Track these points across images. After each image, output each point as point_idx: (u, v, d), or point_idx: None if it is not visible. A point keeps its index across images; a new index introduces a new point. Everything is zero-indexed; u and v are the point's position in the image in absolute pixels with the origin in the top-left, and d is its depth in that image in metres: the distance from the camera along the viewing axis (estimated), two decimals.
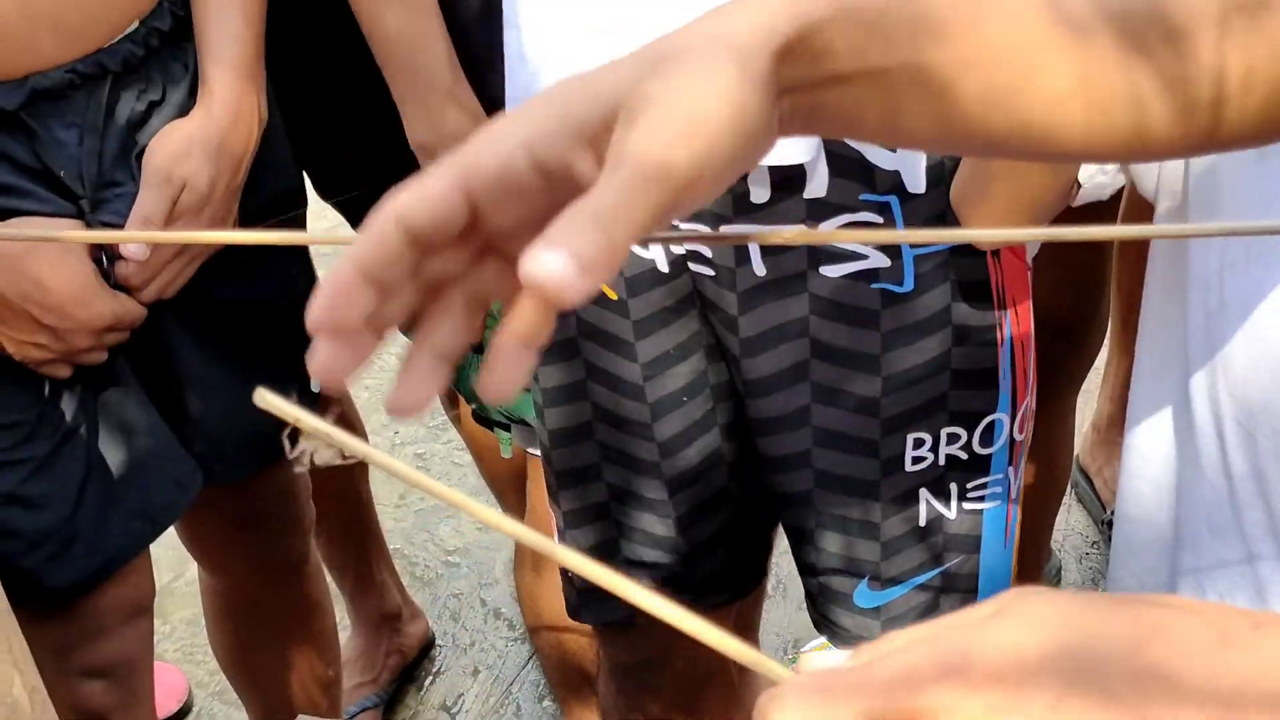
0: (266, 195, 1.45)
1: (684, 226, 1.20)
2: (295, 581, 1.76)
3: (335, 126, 1.68)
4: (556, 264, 0.46)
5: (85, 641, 1.44)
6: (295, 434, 0.53)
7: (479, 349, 1.44)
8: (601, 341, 1.29)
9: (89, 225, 1.31)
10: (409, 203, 0.51)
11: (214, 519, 1.66)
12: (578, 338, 1.30)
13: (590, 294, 0.48)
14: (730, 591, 1.45)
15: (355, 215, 1.77)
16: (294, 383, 1.56)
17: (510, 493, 2.00)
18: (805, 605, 1.41)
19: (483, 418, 1.62)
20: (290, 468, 1.63)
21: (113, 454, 1.39)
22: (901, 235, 1.16)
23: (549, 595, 1.66)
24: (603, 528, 1.39)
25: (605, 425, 1.33)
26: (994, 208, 1.10)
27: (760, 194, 1.17)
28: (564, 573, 1.46)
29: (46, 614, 1.40)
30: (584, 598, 1.44)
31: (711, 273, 1.23)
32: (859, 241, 1.18)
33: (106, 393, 1.39)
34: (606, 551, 1.39)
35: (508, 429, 1.61)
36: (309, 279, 1.55)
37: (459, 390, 1.54)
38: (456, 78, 1.42)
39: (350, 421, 1.83)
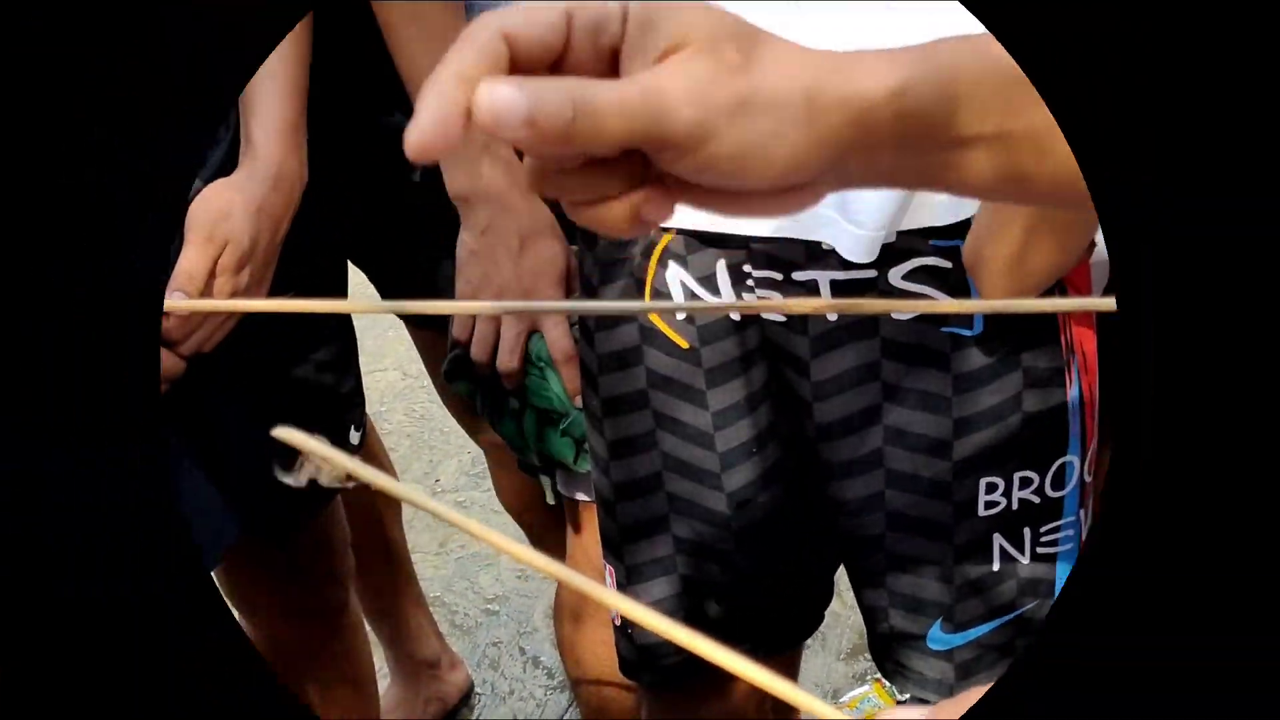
0: (306, 258, 1.46)
1: (756, 274, 1.20)
2: (334, 630, 1.75)
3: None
4: (509, 99, 0.50)
5: None
6: (292, 459, 0.53)
7: (519, 396, 1.43)
8: (672, 391, 1.28)
9: None
10: (515, 18, 0.53)
11: (253, 570, 1.67)
12: (647, 389, 1.29)
13: (520, 142, 0.52)
14: (791, 640, 1.42)
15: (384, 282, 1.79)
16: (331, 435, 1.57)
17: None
18: (846, 656, 1.38)
19: (527, 465, 1.58)
20: (330, 520, 1.65)
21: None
22: (930, 305, 1.15)
23: (590, 645, 1.63)
24: (669, 582, 1.36)
25: (675, 475, 1.31)
26: (1010, 264, 1.08)
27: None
28: (621, 629, 1.43)
29: None
30: (642, 655, 1.41)
31: (783, 318, 1.23)
32: (876, 312, 1.19)
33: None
34: (671, 606, 1.36)
35: (550, 474, 1.57)
36: (347, 341, 1.60)
37: (500, 433, 1.52)
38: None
39: (385, 467, 1.82)
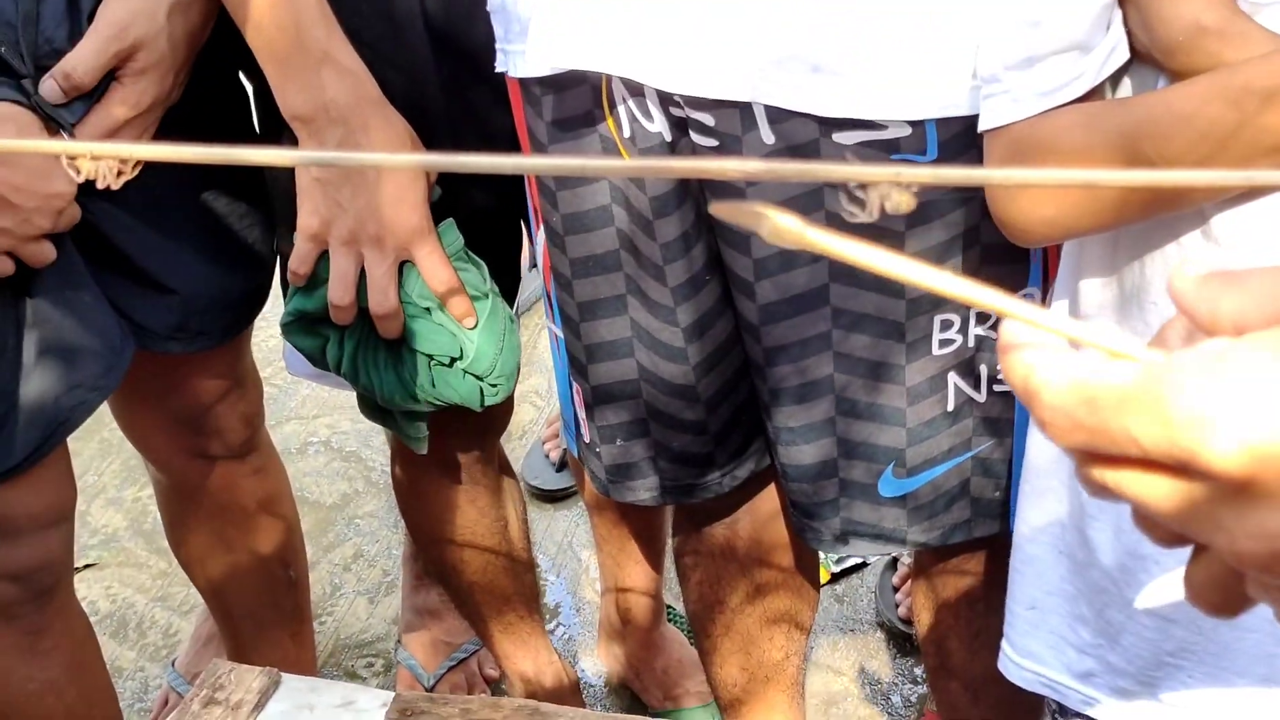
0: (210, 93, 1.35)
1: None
2: (242, 474, 1.66)
3: None
4: None
5: (2, 544, 1.38)
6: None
7: (393, 344, 1.30)
8: (631, 215, 1.21)
9: (37, 104, 1.21)
10: None
11: (155, 411, 1.59)
12: (611, 204, 1.22)
13: None
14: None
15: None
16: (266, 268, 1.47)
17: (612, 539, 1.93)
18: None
19: (391, 418, 1.45)
20: (239, 347, 1.55)
21: (44, 326, 1.31)
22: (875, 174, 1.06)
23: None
24: (634, 406, 1.32)
25: (636, 301, 1.25)
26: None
27: None
28: (589, 446, 1.39)
29: None
30: (612, 475, 1.37)
31: (714, 143, 1.13)
32: (805, 179, 1.10)
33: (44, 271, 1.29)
34: (638, 430, 1.33)
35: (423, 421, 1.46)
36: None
37: (365, 390, 1.38)
38: (330, 31, 1.21)
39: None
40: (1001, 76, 0.98)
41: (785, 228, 0.42)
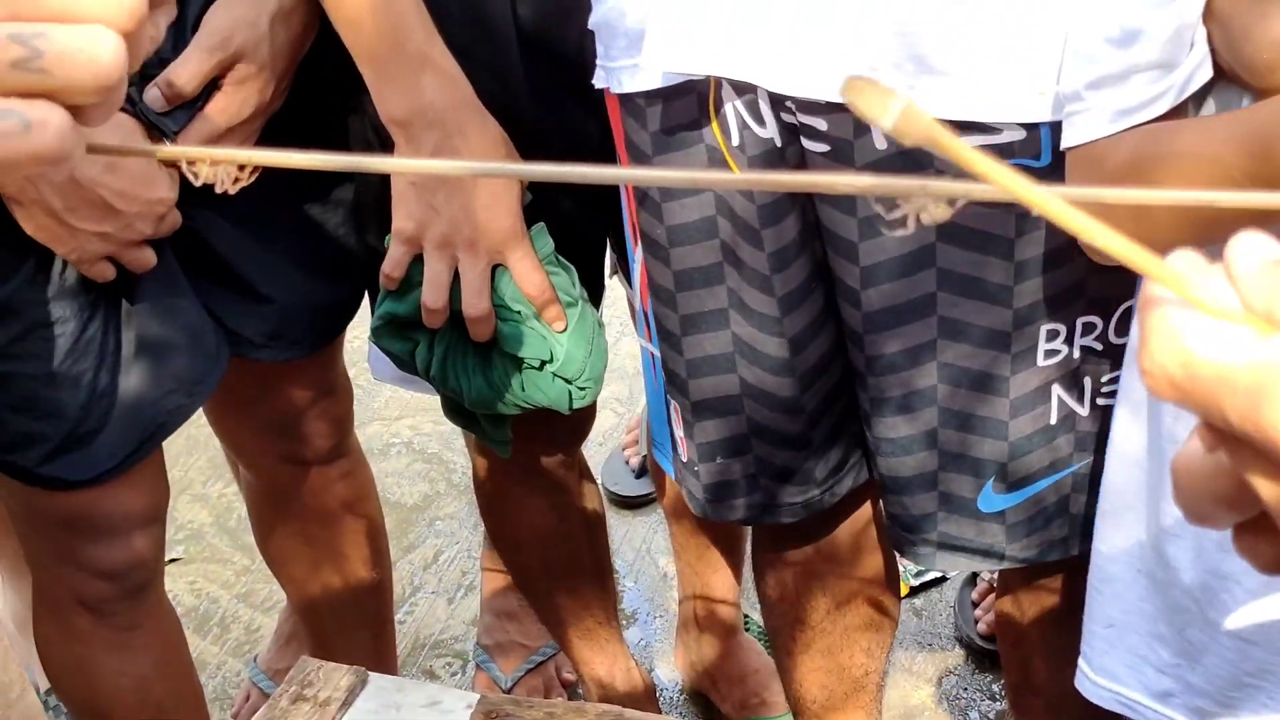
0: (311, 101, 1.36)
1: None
2: (331, 478, 1.68)
3: None
4: None
5: (97, 541, 1.41)
6: None
7: (485, 347, 1.30)
8: (736, 226, 1.21)
9: (141, 112, 1.23)
10: None
11: (248, 416, 1.61)
12: (716, 216, 1.22)
13: None
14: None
15: None
16: (359, 275, 1.49)
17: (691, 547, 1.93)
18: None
19: (474, 422, 1.46)
20: (331, 355, 1.57)
21: (145, 331, 1.34)
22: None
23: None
24: (735, 422, 1.31)
25: (739, 316, 1.25)
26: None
27: None
28: (686, 465, 1.38)
29: (62, 512, 1.37)
30: (710, 494, 1.37)
31: (825, 148, 1.13)
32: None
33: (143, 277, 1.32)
34: (738, 446, 1.33)
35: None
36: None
37: (452, 394, 1.39)
38: (429, 36, 1.22)
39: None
40: (1084, 95, 0.98)
41: (916, 113, 0.41)
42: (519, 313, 1.29)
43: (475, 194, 1.23)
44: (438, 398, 1.46)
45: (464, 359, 1.33)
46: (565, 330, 1.30)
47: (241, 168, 0.57)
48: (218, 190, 0.58)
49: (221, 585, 2.39)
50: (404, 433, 2.72)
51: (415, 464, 2.64)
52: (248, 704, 2.07)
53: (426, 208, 1.24)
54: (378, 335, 1.36)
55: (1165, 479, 0.92)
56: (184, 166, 0.56)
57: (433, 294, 1.27)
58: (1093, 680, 1.20)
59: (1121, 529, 1.14)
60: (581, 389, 1.33)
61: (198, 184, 0.53)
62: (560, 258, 1.32)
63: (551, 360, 1.30)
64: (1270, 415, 0.39)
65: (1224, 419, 0.40)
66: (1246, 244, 0.42)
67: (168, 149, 0.57)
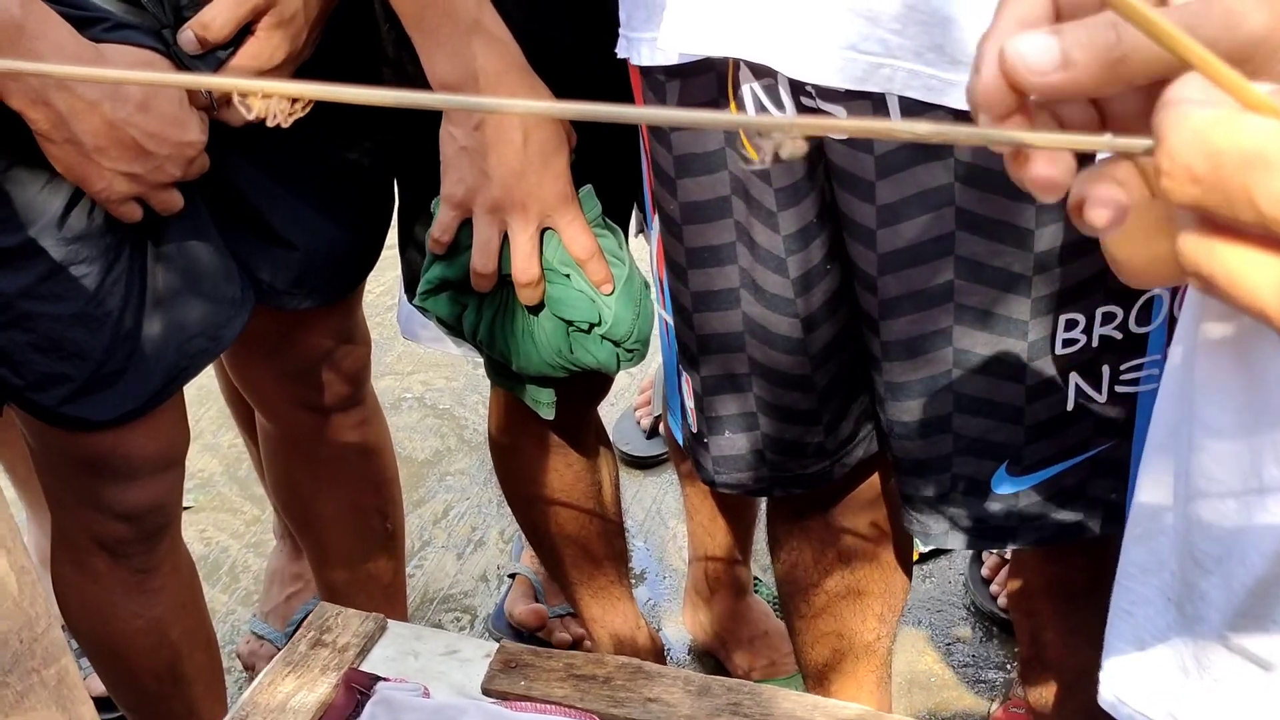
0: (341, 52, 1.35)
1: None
2: (347, 426, 1.69)
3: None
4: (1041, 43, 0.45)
5: (116, 483, 1.41)
6: None
7: (533, 309, 1.30)
8: (750, 206, 1.20)
9: (174, 54, 1.23)
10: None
11: (267, 363, 1.61)
12: (730, 195, 1.21)
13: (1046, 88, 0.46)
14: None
15: None
16: (381, 225, 1.49)
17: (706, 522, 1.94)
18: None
19: (514, 382, 1.48)
20: (351, 305, 1.57)
21: (170, 275, 1.34)
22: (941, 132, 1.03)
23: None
24: (743, 399, 1.31)
25: (750, 295, 1.25)
26: None
27: None
28: (696, 437, 1.39)
29: (83, 452, 1.38)
30: (719, 466, 1.37)
31: (843, 136, 1.12)
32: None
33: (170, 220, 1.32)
34: (747, 423, 1.32)
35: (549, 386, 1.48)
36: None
37: (495, 355, 1.40)
38: (481, 1, 1.22)
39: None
40: None
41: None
42: (567, 275, 1.29)
43: (526, 157, 1.22)
44: (449, 354, 1.46)
45: (512, 322, 1.33)
46: (613, 292, 1.30)
47: (294, 101, 0.57)
48: (269, 124, 0.58)
49: (231, 534, 2.40)
50: (416, 388, 2.73)
51: (427, 419, 2.65)
52: (246, 646, 2.08)
53: (478, 173, 1.23)
54: (424, 299, 1.35)
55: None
56: (236, 99, 0.56)
57: (483, 258, 1.27)
58: (1116, 697, 1.19)
59: (1152, 553, 1.11)
60: (629, 351, 1.33)
61: (250, 116, 0.53)
62: (608, 220, 1.32)
63: (600, 322, 1.30)
64: None
65: (1252, 204, 0.39)
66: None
67: (219, 80, 0.57)
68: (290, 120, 0.56)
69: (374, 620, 1.16)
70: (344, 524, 1.74)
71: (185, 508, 2.39)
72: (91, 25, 1.19)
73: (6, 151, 1.21)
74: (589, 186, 1.30)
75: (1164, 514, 1.09)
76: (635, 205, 1.51)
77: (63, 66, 0.50)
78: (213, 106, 1.26)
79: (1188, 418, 0.91)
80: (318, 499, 1.72)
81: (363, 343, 1.65)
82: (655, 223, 1.30)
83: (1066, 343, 1.14)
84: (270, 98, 0.57)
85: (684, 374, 1.36)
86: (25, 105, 1.15)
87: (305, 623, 1.17)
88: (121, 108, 1.17)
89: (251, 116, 0.54)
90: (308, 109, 0.56)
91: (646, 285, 1.34)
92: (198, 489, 2.49)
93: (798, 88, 1.12)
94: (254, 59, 1.24)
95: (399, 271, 1.51)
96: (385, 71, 1.38)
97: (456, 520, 2.39)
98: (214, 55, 1.24)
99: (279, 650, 2.00)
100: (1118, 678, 1.16)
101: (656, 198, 1.27)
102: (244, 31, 1.25)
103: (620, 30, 1.22)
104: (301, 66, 1.31)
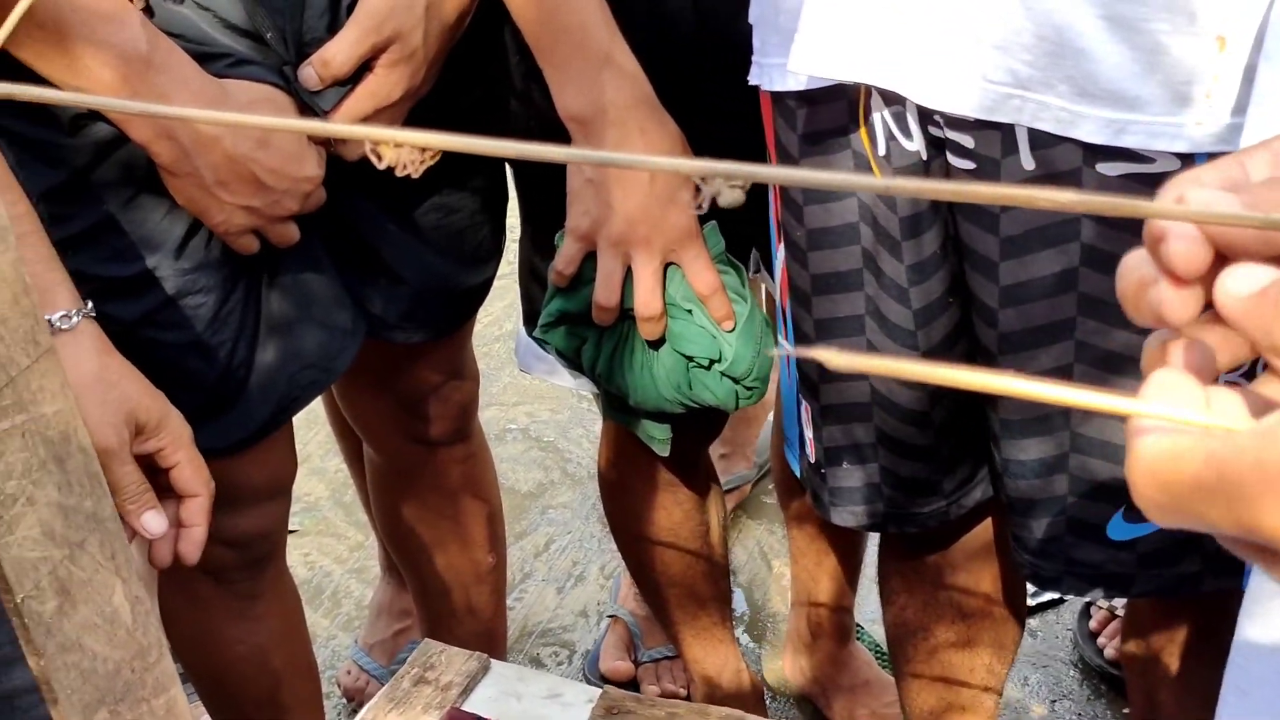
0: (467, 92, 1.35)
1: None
2: (454, 459, 1.69)
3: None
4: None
5: (224, 511, 1.40)
6: None
7: (654, 344, 1.29)
8: (878, 234, 1.19)
9: (294, 90, 1.24)
10: None
11: (377, 395, 1.62)
12: (859, 222, 1.20)
13: None
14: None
15: None
16: (491, 261, 1.49)
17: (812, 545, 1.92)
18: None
19: (630, 418, 1.47)
20: (461, 339, 1.58)
21: (284, 306, 1.35)
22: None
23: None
24: (865, 429, 1.29)
25: (874, 323, 1.24)
26: None
27: None
28: (814, 468, 1.37)
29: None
30: (835, 498, 1.36)
31: (971, 165, 1.10)
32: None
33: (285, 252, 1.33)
34: (867, 454, 1.31)
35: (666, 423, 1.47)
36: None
37: (611, 389, 1.39)
38: (612, 35, 1.22)
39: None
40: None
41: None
42: (689, 311, 1.28)
43: (652, 192, 1.22)
44: (555, 385, 1.45)
45: (632, 356, 1.32)
46: (734, 329, 1.29)
47: (423, 150, 0.56)
48: (399, 173, 0.58)
49: (335, 559, 2.42)
50: (520, 419, 2.73)
51: (531, 451, 2.65)
52: (349, 676, 2.09)
53: (603, 205, 1.23)
54: (545, 331, 1.35)
55: None
56: (367, 148, 0.56)
57: (606, 291, 1.27)
58: None
59: (1267, 631, 1.07)
60: (749, 389, 1.31)
61: (381, 166, 0.52)
62: (730, 257, 1.31)
63: (720, 359, 1.29)
64: (1254, 516, 0.38)
65: (1215, 529, 0.40)
66: (1238, 276, 0.41)
67: (355, 129, 0.56)
68: (421, 169, 0.56)
69: (477, 659, 1.16)
70: (448, 556, 1.74)
71: (290, 531, 2.42)
72: (215, 60, 1.20)
73: (133, 180, 1.23)
74: (713, 223, 1.29)
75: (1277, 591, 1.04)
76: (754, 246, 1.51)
77: (201, 111, 0.50)
78: (329, 142, 1.26)
79: None
80: (423, 531, 1.72)
81: (471, 377, 1.66)
82: (780, 249, 1.29)
83: None
84: (401, 147, 0.57)
85: (803, 403, 1.35)
86: (149, 139, 1.17)
87: (409, 659, 1.17)
88: (242, 143, 1.18)
89: (382, 166, 0.53)
90: (436, 158, 0.55)
91: (767, 323, 1.33)
92: (303, 513, 2.51)
93: (926, 116, 1.10)
94: (373, 96, 1.25)
95: (507, 301, 1.52)
96: (512, 102, 1.39)
97: (558, 554, 2.39)
98: (334, 90, 1.25)
99: (379, 683, 2.02)
100: None
101: (783, 225, 1.26)
102: (363, 68, 1.26)
103: (754, 57, 1.21)
104: (423, 98, 1.31)
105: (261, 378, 1.34)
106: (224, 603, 1.48)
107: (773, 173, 0.50)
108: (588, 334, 1.33)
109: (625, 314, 1.29)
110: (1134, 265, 0.46)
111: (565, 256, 1.29)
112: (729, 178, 0.45)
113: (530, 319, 1.47)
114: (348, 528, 2.49)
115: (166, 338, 1.28)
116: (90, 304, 1.10)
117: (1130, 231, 1.07)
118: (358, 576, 2.36)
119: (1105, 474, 1.18)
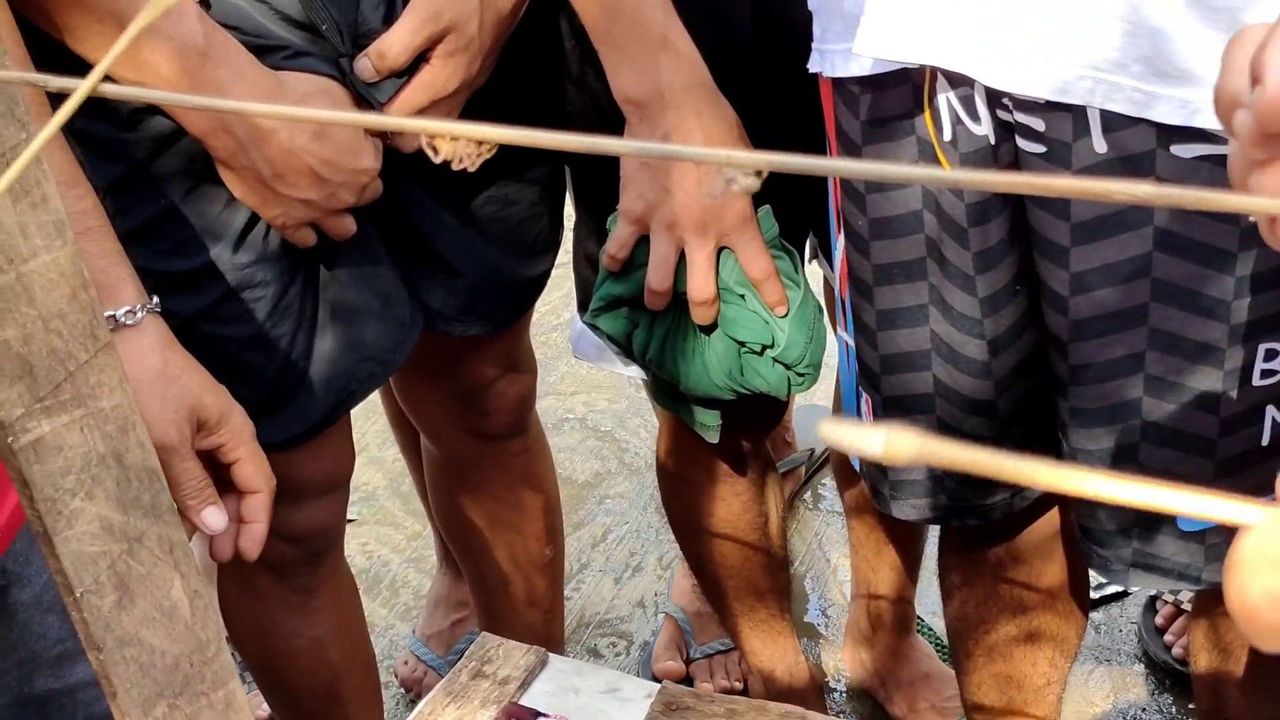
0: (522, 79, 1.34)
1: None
2: (512, 453, 1.68)
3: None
4: None
5: (283, 505, 1.39)
6: None
7: (707, 329, 1.29)
8: (943, 222, 1.17)
9: (350, 82, 1.23)
10: None
11: (434, 388, 1.61)
12: (922, 210, 1.19)
13: None
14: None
15: None
16: (549, 253, 1.48)
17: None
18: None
19: (681, 404, 1.46)
20: (519, 332, 1.57)
21: (341, 298, 1.34)
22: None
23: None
24: (925, 421, 1.28)
25: (938, 313, 1.22)
26: None
27: None
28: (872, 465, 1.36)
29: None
30: (895, 491, 1.35)
31: (1042, 149, 1.08)
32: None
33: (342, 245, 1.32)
34: (925, 469, 1.30)
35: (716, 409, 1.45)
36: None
37: (662, 376, 1.38)
38: (669, 18, 1.22)
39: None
40: None
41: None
42: (742, 296, 1.27)
43: (707, 175, 1.21)
44: (612, 375, 1.45)
45: (683, 342, 1.31)
46: (787, 315, 1.27)
47: (480, 143, 0.55)
48: (455, 167, 0.56)
49: (393, 549, 2.42)
50: (578, 408, 2.73)
51: (588, 440, 2.64)
52: (406, 666, 2.10)
53: (658, 189, 1.23)
54: (596, 316, 1.35)
55: None
56: (424, 141, 0.55)
57: (659, 275, 1.26)
58: None
59: None
60: (801, 375, 1.30)
61: (437, 160, 0.51)
62: (784, 242, 1.30)
63: (773, 345, 1.28)
64: None
65: None
66: None
67: (414, 122, 0.55)
68: (478, 163, 0.55)
69: (535, 653, 1.15)
70: (505, 548, 1.74)
71: (349, 521, 2.43)
72: (271, 53, 1.20)
73: (191, 174, 1.23)
74: (767, 207, 1.28)
75: None
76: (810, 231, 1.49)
77: (258, 104, 0.49)
78: (386, 134, 1.26)
79: None
80: (480, 524, 1.72)
81: (529, 370, 1.65)
82: (840, 239, 1.28)
83: (1265, 373, 1.09)
84: (458, 140, 0.56)
85: (863, 395, 1.33)
86: (205, 133, 1.17)
87: (467, 653, 1.17)
88: (298, 136, 1.18)
89: (438, 159, 0.52)
90: (493, 151, 0.54)
91: (820, 309, 1.32)
92: (361, 502, 2.52)
93: (995, 98, 1.09)
94: (428, 87, 1.24)
95: (564, 290, 1.51)
96: (569, 88, 1.38)
97: (615, 544, 2.38)
98: (389, 82, 1.25)
99: (437, 674, 2.02)
100: None
101: (844, 214, 1.25)
102: (419, 59, 1.25)
103: (813, 45, 1.20)
104: (479, 89, 1.31)
105: (320, 371, 1.33)
106: (282, 596, 1.49)
107: (832, 165, 0.49)
108: (639, 318, 1.32)
109: (677, 299, 1.28)
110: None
111: (618, 240, 1.28)
112: (780, 169, 0.44)
113: (584, 304, 1.46)
114: (405, 517, 2.49)
115: (226, 332, 1.28)
116: (155, 299, 1.10)
117: (1204, 216, 1.05)
118: (415, 566, 2.37)
119: (1178, 465, 1.16)
